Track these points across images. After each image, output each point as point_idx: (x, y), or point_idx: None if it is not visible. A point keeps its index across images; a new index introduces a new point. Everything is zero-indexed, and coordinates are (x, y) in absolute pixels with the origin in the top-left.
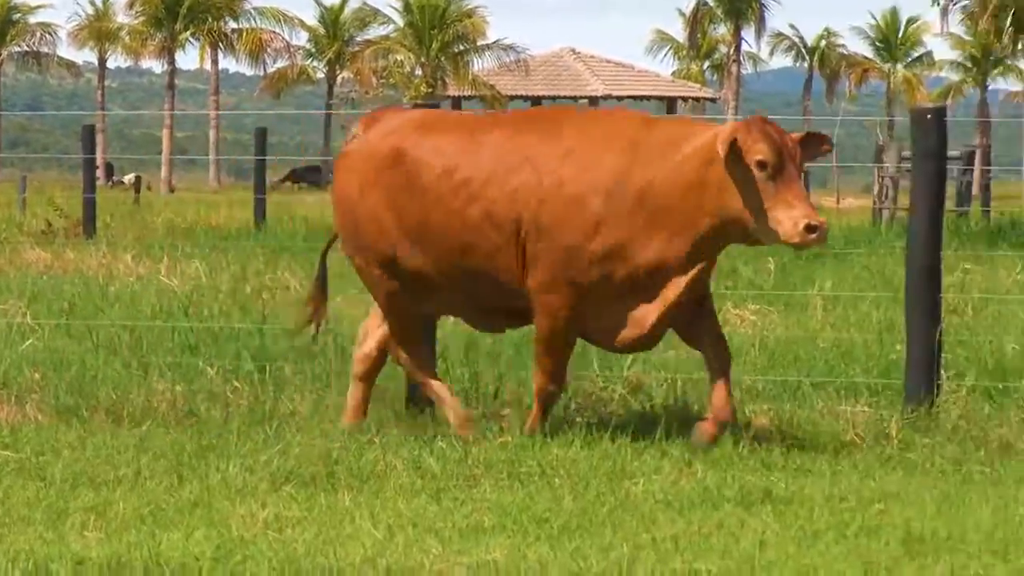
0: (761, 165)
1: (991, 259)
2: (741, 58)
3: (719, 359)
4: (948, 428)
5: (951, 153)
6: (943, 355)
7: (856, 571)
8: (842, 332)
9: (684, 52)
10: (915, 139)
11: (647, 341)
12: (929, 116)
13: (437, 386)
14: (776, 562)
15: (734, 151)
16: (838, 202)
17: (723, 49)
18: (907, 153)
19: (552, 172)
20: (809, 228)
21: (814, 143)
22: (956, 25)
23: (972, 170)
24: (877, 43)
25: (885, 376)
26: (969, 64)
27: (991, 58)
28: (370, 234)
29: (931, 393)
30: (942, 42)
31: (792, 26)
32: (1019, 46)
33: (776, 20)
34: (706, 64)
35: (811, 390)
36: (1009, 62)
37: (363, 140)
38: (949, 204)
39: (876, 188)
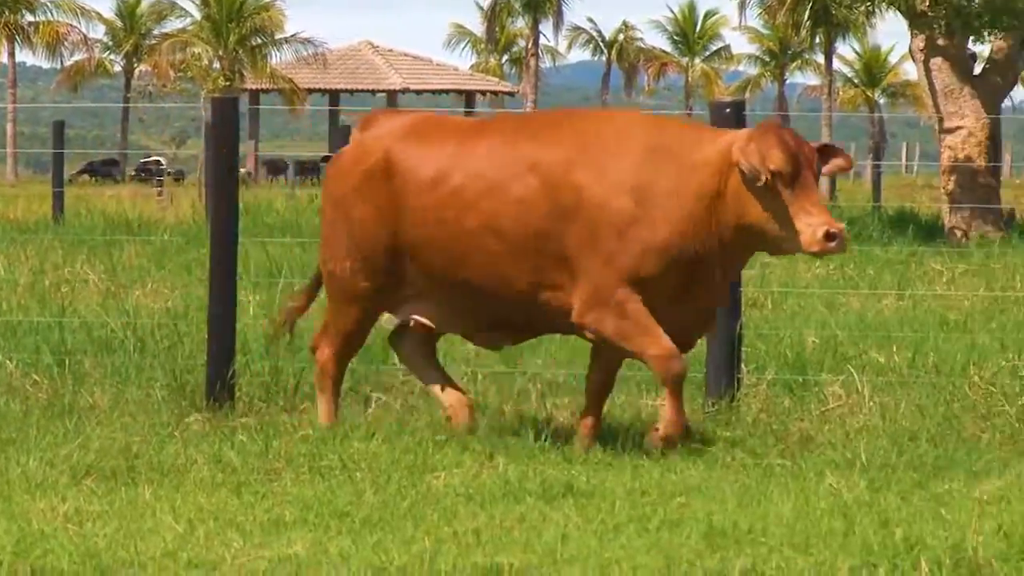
0: (776, 173)
1: None
2: (539, 52)
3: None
4: (749, 421)
5: None
6: (743, 349)
7: (658, 564)
8: None
9: (482, 46)
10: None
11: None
12: (728, 110)
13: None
14: (578, 555)
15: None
16: None
17: (521, 43)
18: None
19: (563, 179)
20: (828, 236)
21: (832, 155)
22: (754, 19)
23: None
24: (675, 37)
25: None
26: (767, 58)
27: (789, 52)
28: (356, 239)
29: (732, 387)
30: (740, 36)
31: (590, 20)
32: (817, 40)
33: (574, 14)
34: (504, 58)
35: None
36: (807, 56)
37: (357, 142)
38: None
39: None
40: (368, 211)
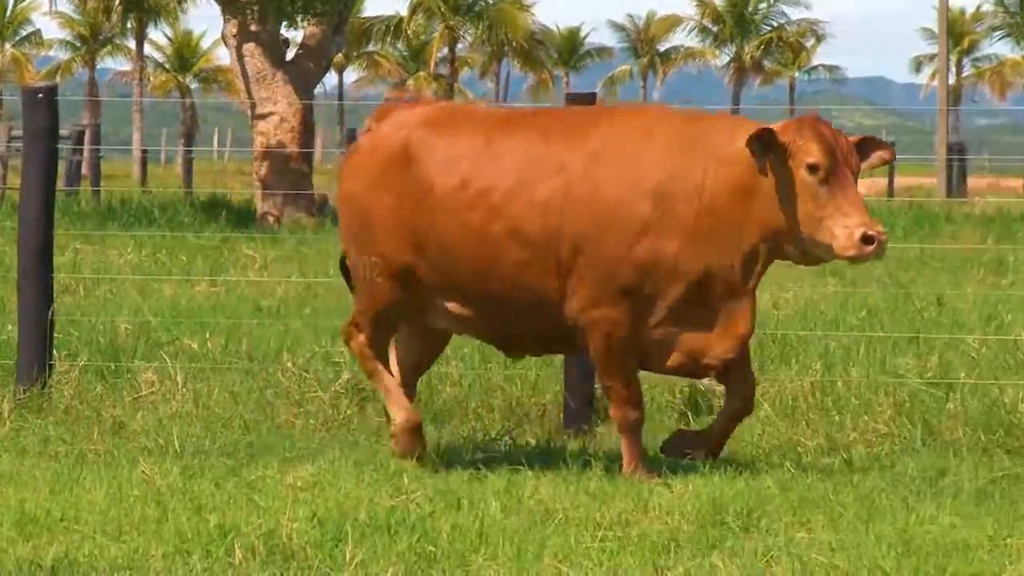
0: (812, 168)
1: (102, 239)
2: None
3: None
4: (61, 408)
5: (62, 132)
6: (55, 335)
7: None
8: None
9: None
10: (26, 119)
11: (696, 369)
12: (40, 95)
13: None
14: None
15: (780, 152)
16: None
17: None
18: (17, 132)
19: (589, 177)
20: (866, 239)
21: (872, 148)
22: (65, 4)
23: (82, 149)
24: None
25: None
26: (78, 43)
27: (100, 37)
28: (373, 236)
29: (44, 373)
30: (51, 21)
31: None
32: (129, 25)
33: None
34: None
35: None
36: (118, 41)
37: (374, 134)
38: (59, 183)
39: None
40: (384, 205)
